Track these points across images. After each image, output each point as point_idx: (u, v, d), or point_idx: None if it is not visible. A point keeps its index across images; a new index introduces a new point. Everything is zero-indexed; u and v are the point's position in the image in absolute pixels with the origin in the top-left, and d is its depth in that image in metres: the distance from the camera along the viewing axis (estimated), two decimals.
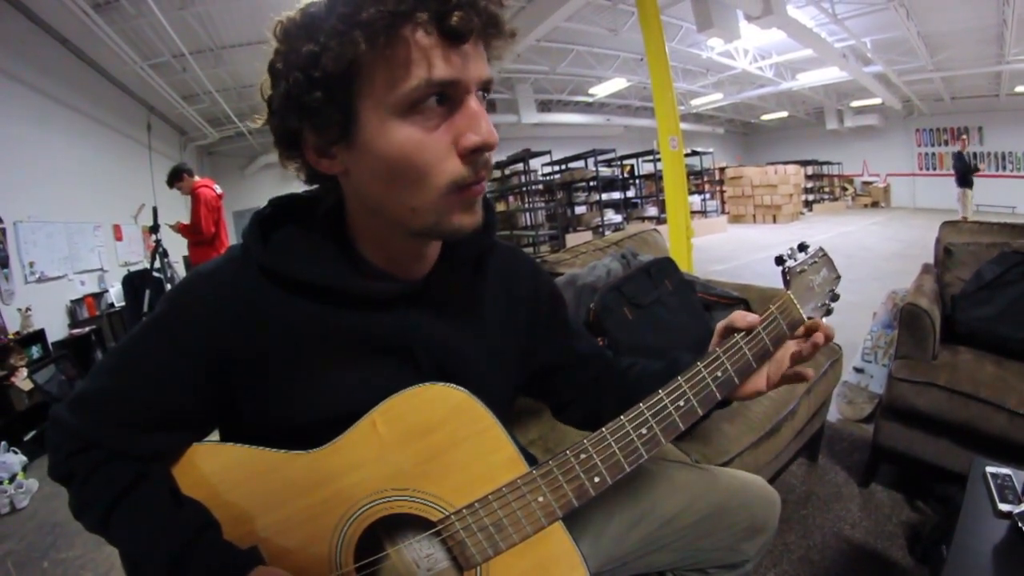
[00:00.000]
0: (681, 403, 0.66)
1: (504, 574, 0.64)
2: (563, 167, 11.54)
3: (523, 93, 11.03)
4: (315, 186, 0.66)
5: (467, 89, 0.54)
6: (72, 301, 4.76)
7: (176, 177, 4.45)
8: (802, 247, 0.78)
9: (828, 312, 0.78)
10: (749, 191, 13.42)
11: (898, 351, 1.75)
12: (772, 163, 13.92)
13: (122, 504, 0.60)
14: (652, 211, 11.63)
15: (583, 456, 0.63)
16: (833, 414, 2.28)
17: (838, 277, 0.81)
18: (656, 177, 11.30)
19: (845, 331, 2.11)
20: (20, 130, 4.40)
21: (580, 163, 11.25)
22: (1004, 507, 0.97)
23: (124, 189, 6.25)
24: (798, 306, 0.74)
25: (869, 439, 1.84)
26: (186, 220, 4.58)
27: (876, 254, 6.95)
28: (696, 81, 11.36)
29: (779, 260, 0.75)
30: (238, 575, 0.57)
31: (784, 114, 15.12)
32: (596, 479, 0.63)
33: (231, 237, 4.96)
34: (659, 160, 7.40)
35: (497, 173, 11.59)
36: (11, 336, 3.66)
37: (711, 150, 12.98)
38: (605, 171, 11.47)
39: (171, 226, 4.57)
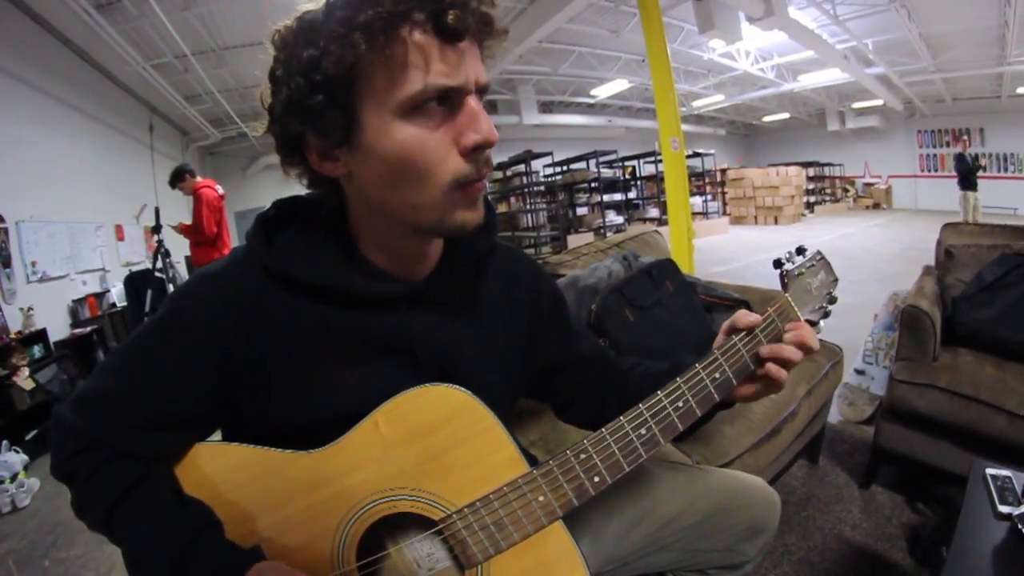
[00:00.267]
0: (680, 404, 0.67)
1: (505, 573, 0.64)
2: (565, 168, 11.55)
3: (525, 94, 11.04)
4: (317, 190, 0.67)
5: (467, 91, 0.55)
6: (74, 301, 4.78)
7: (178, 178, 4.46)
8: (800, 251, 0.78)
9: (826, 314, 0.79)
10: (750, 192, 13.42)
11: (899, 353, 1.75)
12: (774, 164, 13.92)
13: (124, 503, 0.60)
14: (653, 212, 11.63)
15: (583, 456, 0.64)
16: (834, 416, 2.29)
17: (836, 280, 0.82)
18: (658, 178, 11.31)
19: (846, 333, 2.13)
20: (22, 130, 4.41)
21: (582, 164, 11.26)
22: (1004, 509, 0.97)
23: (126, 189, 6.28)
24: (796, 309, 0.74)
25: (870, 441, 1.84)
26: (188, 220, 4.59)
27: (877, 256, 6.95)
28: (698, 82, 11.37)
29: (777, 263, 0.76)
30: (240, 574, 0.57)
31: (786, 115, 15.13)
32: (596, 479, 0.63)
33: (232, 237, 4.96)
34: (660, 161, 7.43)
35: (499, 174, 11.61)
36: (13, 335, 3.67)
37: (712, 151, 12.99)
38: (607, 172, 11.48)
39: (173, 227, 4.58)
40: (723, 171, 14.45)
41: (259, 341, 0.61)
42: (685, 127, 7.76)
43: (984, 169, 8.77)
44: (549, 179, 11.61)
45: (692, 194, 9.55)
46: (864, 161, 15.90)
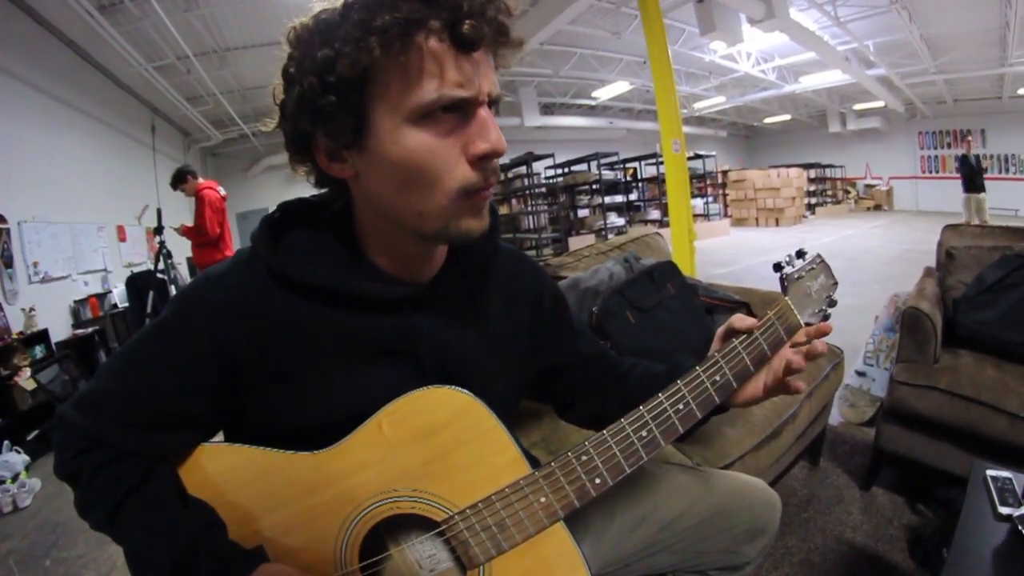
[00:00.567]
0: (680, 406, 0.67)
1: (506, 574, 0.64)
2: (566, 170, 11.56)
3: (526, 96, 11.06)
4: (324, 190, 0.67)
5: (479, 102, 0.55)
6: (76, 301, 4.79)
7: (180, 179, 4.46)
8: (800, 254, 0.79)
9: (825, 317, 0.79)
10: (752, 194, 13.41)
11: (899, 355, 1.75)
12: (775, 166, 13.90)
13: (128, 503, 0.60)
14: (655, 214, 11.63)
15: (584, 458, 0.64)
16: (835, 417, 2.28)
17: (835, 283, 0.82)
18: (659, 180, 11.31)
19: (847, 335, 2.13)
20: (25, 131, 4.43)
21: (583, 166, 11.27)
22: (1004, 510, 0.97)
23: (128, 190, 6.29)
24: (795, 312, 0.74)
25: (871, 442, 1.84)
26: (189, 222, 4.59)
27: (878, 257, 6.95)
28: (699, 84, 11.38)
29: (777, 267, 0.76)
30: (243, 574, 0.57)
31: (787, 117, 15.14)
32: (597, 480, 0.64)
33: (234, 238, 4.97)
34: (662, 163, 7.43)
35: (500, 176, 11.59)
36: (15, 336, 3.69)
37: (714, 153, 13.01)
38: (608, 174, 11.49)
39: (175, 229, 4.59)
40: (724, 173, 14.48)
41: (263, 343, 0.61)
42: (686, 129, 7.76)
43: (986, 171, 8.55)
44: (550, 181, 11.60)
45: (693, 196, 9.59)
46: (865, 163, 15.91)
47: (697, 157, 11.97)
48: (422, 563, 0.64)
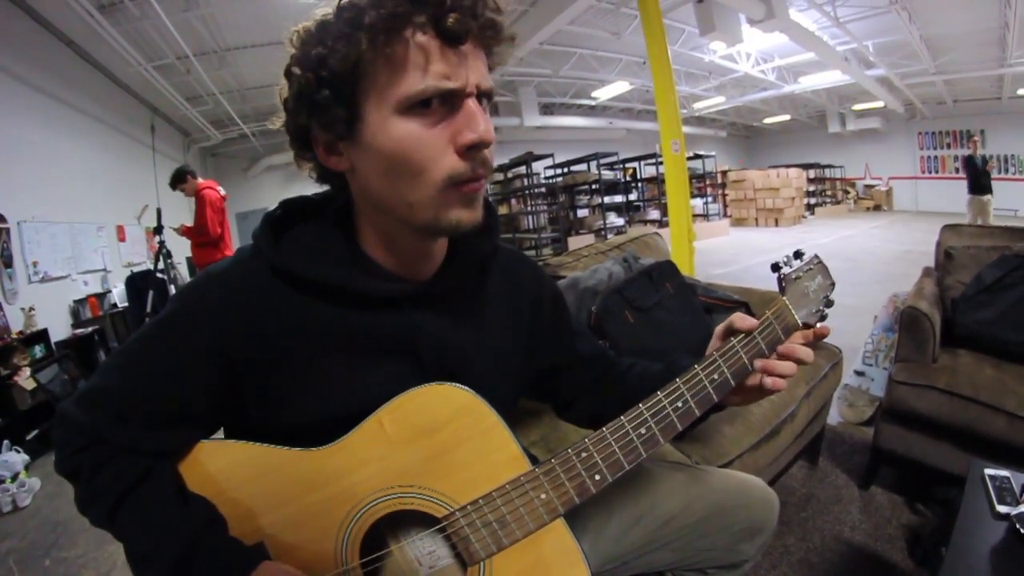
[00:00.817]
0: (679, 404, 0.67)
1: (507, 570, 0.65)
2: (565, 170, 11.57)
3: (526, 96, 11.07)
4: (326, 187, 0.70)
5: (466, 93, 0.57)
6: (75, 301, 4.79)
7: (179, 179, 4.47)
8: (798, 255, 0.79)
9: (823, 318, 0.79)
10: (751, 194, 13.42)
11: (898, 354, 1.75)
12: (774, 166, 13.91)
13: (128, 500, 0.60)
14: (654, 214, 11.63)
15: (584, 455, 0.64)
16: (834, 417, 2.29)
17: (832, 284, 0.82)
18: (658, 180, 11.32)
19: (846, 335, 2.13)
20: (24, 130, 4.43)
21: (582, 166, 11.27)
22: (1002, 509, 0.98)
23: (127, 190, 6.29)
24: (793, 311, 0.75)
25: (869, 442, 1.84)
26: (189, 222, 4.59)
27: (878, 258, 6.95)
28: (698, 84, 11.39)
29: (775, 267, 0.77)
30: (244, 571, 0.57)
31: (786, 117, 15.14)
32: (597, 477, 0.64)
33: (234, 238, 4.97)
34: (661, 163, 7.42)
35: (499, 176, 11.61)
36: (14, 335, 3.69)
37: (713, 153, 13.01)
38: (607, 174, 11.49)
39: (174, 229, 4.59)
40: (724, 173, 14.48)
41: (264, 340, 0.62)
42: (686, 129, 7.75)
43: (991, 172, 8.39)
44: (550, 181, 11.62)
45: (693, 196, 9.58)
46: (865, 163, 15.91)
47: (697, 157, 11.98)
48: (422, 559, 0.64)
